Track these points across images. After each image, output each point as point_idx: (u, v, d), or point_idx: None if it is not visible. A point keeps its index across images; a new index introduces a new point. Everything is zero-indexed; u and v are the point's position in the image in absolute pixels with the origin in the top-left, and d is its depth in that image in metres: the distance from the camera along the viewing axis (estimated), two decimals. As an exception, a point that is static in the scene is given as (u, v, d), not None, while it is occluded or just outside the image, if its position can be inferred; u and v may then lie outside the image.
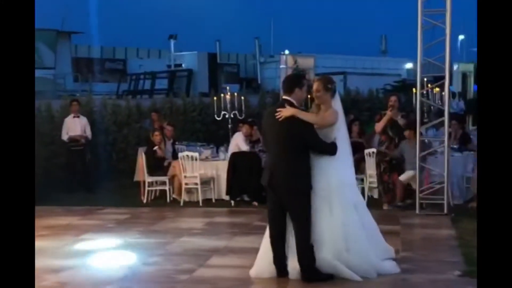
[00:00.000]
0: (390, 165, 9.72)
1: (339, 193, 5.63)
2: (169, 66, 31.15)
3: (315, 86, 5.76)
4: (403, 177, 9.68)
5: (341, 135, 5.76)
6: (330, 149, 5.62)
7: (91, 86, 29.86)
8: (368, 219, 6.06)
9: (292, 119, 5.49)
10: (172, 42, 31.14)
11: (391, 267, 6.06)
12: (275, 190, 5.68)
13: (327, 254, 5.59)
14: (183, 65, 30.22)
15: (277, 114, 5.53)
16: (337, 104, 5.76)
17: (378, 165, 9.93)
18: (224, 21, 54.20)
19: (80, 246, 7.68)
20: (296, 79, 5.87)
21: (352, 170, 5.96)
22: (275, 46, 38.09)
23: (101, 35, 45.73)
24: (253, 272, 5.97)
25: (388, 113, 9.71)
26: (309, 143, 5.56)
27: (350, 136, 11.30)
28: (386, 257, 6.20)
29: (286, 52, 25.62)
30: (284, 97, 5.70)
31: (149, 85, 29.65)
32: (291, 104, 5.61)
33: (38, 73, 26.81)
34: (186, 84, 28.63)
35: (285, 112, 5.51)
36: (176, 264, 6.67)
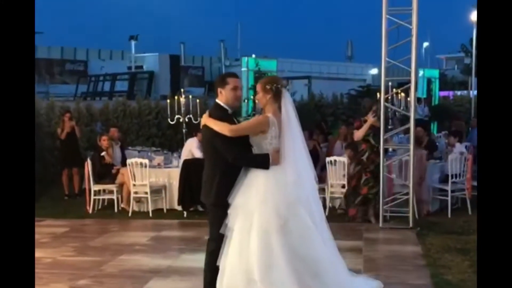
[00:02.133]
0: (373, 176, 8.97)
1: (260, 213, 4.71)
2: (129, 68, 30.19)
3: (257, 87, 5.04)
4: None
5: (287, 144, 4.85)
6: (255, 161, 4.82)
7: (49, 88, 28.86)
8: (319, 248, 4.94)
9: (207, 128, 4.85)
10: (133, 43, 30.17)
11: None
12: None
13: (234, 281, 4.70)
14: (144, 67, 29.29)
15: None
16: (284, 108, 4.88)
17: (356, 176, 9.16)
18: (189, 23, 53.47)
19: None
20: (218, 80, 5.09)
21: (307, 186, 4.99)
22: (242, 50, 37.52)
23: (62, 35, 44.64)
24: None
25: (370, 119, 8.93)
26: (220, 152, 4.79)
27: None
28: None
29: (253, 56, 25.06)
30: (216, 100, 5.04)
31: (109, 87, 28.68)
32: (220, 107, 4.93)
33: (-8, 73, 25.90)
34: (147, 86, 27.72)
35: (202, 119, 4.95)
36: (108, 288, 5.88)
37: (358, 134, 9.07)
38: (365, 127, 8.98)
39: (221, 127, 4.78)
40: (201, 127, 4.98)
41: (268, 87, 4.86)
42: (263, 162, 4.76)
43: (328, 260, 4.83)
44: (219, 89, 4.92)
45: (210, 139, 4.83)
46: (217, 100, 4.97)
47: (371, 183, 8.96)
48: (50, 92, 24.65)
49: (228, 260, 4.68)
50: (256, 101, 5.14)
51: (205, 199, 4.93)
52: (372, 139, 8.99)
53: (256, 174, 4.76)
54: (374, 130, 8.92)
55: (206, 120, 4.87)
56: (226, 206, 4.74)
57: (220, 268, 4.69)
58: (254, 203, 4.69)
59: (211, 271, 4.77)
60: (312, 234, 4.76)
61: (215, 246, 4.76)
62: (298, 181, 4.83)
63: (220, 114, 4.85)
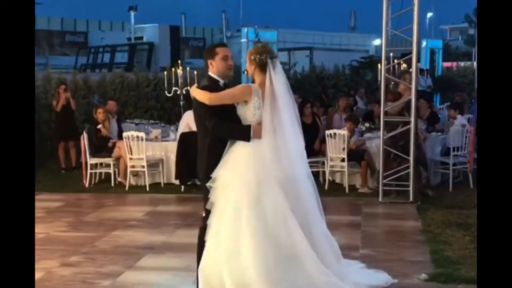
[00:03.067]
0: (404, 151, 8.52)
1: (233, 188, 4.52)
2: (129, 39, 29.85)
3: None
4: None
5: (267, 118, 4.58)
6: (236, 132, 4.59)
7: (49, 59, 28.62)
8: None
9: (195, 99, 4.65)
10: (132, 13, 29.76)
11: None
12: None
13: (213, 257, 4.52)
14: (144, 38, 28.96)
15: None
16: (274, 79, 4.61)
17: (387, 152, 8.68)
18: (190, -6, 52.85)
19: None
20: (207, 50, 4.89)
21: (297, 160, 4.76)
22: (244, 21, 37.06)
23: (61, 6, 44.18)
24: None
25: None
26: (207, 126, 4.56)
27: (302, 120, 10.50)
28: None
29: (254, 27, 24.74)
30: (208, 72, 4.84)
31: (109, 58, 28.41)
32: (211, 78, 4.73)
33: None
34: (146, 58, 27.43)
35: (191, 92, 4.75)
36: (99, 265, 5.75)
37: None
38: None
39: (202, 96, 4.58)
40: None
41: (252, 57, 4.66)
42: (244, 134, 4.54)
43: (305, 245, 4.55)
44: (209, 61, 4.71)
45: (196, 109, 4.66)
46: (209, 73, 4.77)
47: (399, 159, 8.69)
48: (49, 64, 24.37)
49: (208, 236, 4.53)
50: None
51: (198, 173, 4.76)
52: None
53: (237, 148, 4.57)
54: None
55: (192, 90, 4.69)
56: (205, 180, 4.57)
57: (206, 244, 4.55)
58: (229, 178, 4.51)
59: (201, 247, 4.62)
60: (288, 216, 4.53)
61: (204, 222, 4.61)
62: (276, 159, 4.61)
63: (210, 85, 4.65)
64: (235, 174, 4.51)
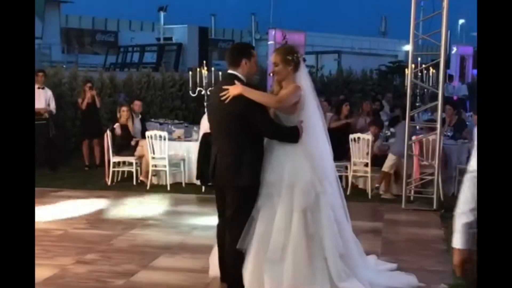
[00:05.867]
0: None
1: (289, 192, 4.45)
2: (158, 39, 30.01)
3: (272, 58, 4.60)
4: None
5: (308, 117, 4.56)
6: (289, 134, 4.47)
7: (78, 58, 28.89)
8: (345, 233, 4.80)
9: (238, 98, 4.34)
10: (162, 14, 29.93)
11: None
12: (218, 185, 4.67)
13: (254, 264, 4.45)
14: (173, 39, 29.07)
15: (224, 93, 4.39)
16: (302, 80, 4.57)
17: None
18: (221, -5, 52.99)
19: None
20: (243, 49, 4.66)
21: (329, 162, 4.74)
22: (274, 23, 36.99)
23: (93, 5, 44.62)
24: (212, 273, 5.02)
25: None
26: (256, 127, 4.39)
27: (339, 119, 10.46)
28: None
29: (281, 29, 24.66)
30: (230, 71, 4.56)
31: (138, 58, 28.59)
32: (239, 79, 4.46)
33: (22, 42, 25.97)
34: (175, 58, 27.52)
35: (233, 90, 4.36)
36: (114, 263, 5.70)
37: None
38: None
39: (267, 98, 4.41)
40: (223, 98, 4.38)
41: (289, 57, 4.49)
42: (296, 135, 4.46)
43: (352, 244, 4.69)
44: (244, 60, 4.49)
45: (242, 112, 4.35)
46: (234, 72, 4.51)
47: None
48: (79, 63, 24.63)
49: (253, 242, 4.42)
50: (271, 74, 4.70)
51: (231, 181, 4.45)
52: None
53: (284, 149, 4.45)
54: None
55: (242, 89, 4.34)
56: (258, 186, 4.45)
57: (246, 251, 4.44)
58: (288, 181, 4.41)
59: (238, 257, 4.48)
60: (340, 220, 4.61)
61: (239, 231, 4.43)
62: (322, 156, 4.58)
63: (247, 85, 4.44)
64: (293, 176, 4.42)
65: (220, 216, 4.77)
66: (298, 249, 4.44)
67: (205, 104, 11.51)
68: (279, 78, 4.59)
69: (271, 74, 4.75)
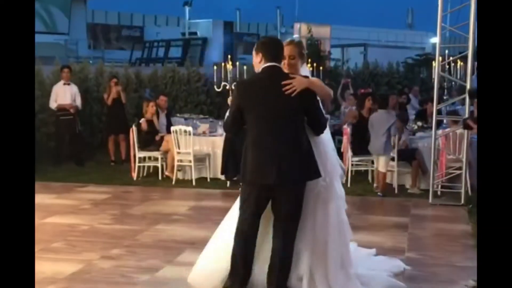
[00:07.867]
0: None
1: (331, 189, 4.47)
2: (183, 34, 30.09)
3: (288, 51, 4.48)
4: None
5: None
6: (324, 127, 4.55)
7: (105, 53, 29.10)
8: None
9: (304, 91, 4.23)
10: (187, 9, 29.98)
11: None
12: (282, 187, 4.32)
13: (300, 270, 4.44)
14: (198, 33, 29.11)
15: (288, 87, 4.21)
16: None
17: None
18: (246, -10, 52.83)
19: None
20: (281, 48, 4.45)
21: (334, 156, 4.71)
22: (299, 17, 36.83)
23: (118, 1, 44.85)
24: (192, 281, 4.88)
25: None
26: (314, 120, 4.37)
27: (360, 113, 10.32)
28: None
29: (306, 22, 24.57)
30: (275, 64, 4.36)
31: (163, 53, 28.70)
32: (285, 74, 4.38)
33: (50, 38, 26.21)
34: (200, 53, 27.56)
35: (299, 83, 4.22)
36: (139, 259, 5.71)
37: None
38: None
39: (327, 91, 4.46)
40: (288, 92, 4.22)
41: (304, 52, 4.57)
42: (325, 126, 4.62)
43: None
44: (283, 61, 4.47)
45: (307, 106, 4.31)
46: (279, 65, 4.40)
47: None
48: (105, 58, 24.81)
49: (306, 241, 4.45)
50: (285, 66, 4.47)
51: (308, 177, 4.33)
52: None
53: (315, 142, 4.44)
54: None
55: (310, 82, 4.29)
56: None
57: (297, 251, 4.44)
58: (330, 175, 4.51)
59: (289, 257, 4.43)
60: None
61: (296, 229, 4.39)
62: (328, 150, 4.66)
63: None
64: (328, 169, 4.50)
65: (253, 215, 4.50)
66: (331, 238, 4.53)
67: (228, 99, 11.50)
68: (293, 70, 4.49)
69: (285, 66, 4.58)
